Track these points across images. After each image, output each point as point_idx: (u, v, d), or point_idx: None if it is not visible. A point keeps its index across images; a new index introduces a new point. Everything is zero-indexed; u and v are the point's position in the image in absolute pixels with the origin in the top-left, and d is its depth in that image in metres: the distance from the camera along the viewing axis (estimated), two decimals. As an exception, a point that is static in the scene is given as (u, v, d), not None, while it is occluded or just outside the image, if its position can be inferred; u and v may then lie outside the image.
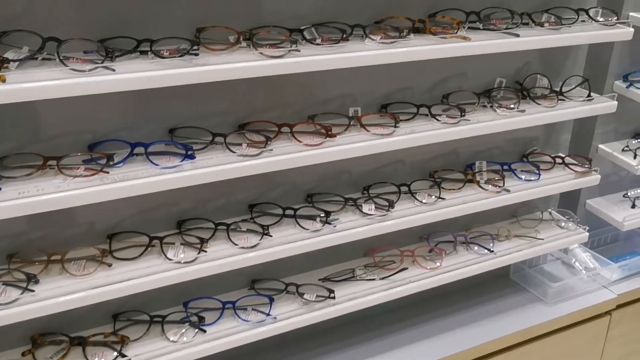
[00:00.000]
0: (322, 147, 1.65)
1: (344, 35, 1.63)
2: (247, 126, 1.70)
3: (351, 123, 1.77)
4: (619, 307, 2.41)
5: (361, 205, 1.86)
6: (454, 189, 2.02)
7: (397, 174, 2.07)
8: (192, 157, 1.53)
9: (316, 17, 1.68)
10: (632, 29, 1.99)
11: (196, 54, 1.42)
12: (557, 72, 2.21)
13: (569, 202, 2.51)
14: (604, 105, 2.09)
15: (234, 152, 1.58)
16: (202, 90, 1.47)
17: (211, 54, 1.47)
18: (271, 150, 1.60)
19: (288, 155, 1.59)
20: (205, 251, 1.62)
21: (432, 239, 2.16)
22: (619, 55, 2.30)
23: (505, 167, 2.15)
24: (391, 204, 1.87)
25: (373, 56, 1.58)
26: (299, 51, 1.52)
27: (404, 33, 1.70)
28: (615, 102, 2.11)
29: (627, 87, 2.29)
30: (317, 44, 1.59)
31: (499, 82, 2.09)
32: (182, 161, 1.51)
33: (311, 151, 1.63)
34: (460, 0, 1.87)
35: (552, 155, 2.25)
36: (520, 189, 2.08)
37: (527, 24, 1.92)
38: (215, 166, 1.51)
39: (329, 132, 1.69)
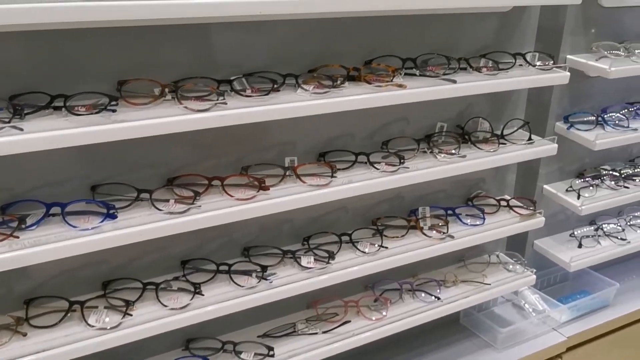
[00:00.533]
0: (254, 201, 1.58)
1: (275, 86, 1.58)
2: (176, 180, 1.63)
3: (287, 174, 1.71)
4: (569, 349, 2.38)
5: (300, 258, 1.79)
6: (397, 237, 1.98)
7: (340, 222, 2.01)
8: (113, 216, 1.45)
9: (249, 66, 1.63)
10: (568, 73, 2.00)
11: (113, 110, 1.35)
12: (499, 115, 2.21)
13: (517, 242, 2.49)
14: (544, 148, 2.09)
15: (160, 209, 1.50)
16: (127, 143, 1.39)
17: (132, 109, 1.40)
18: (199, 207, 1.53)
19: (217, 211, 1.52)
20: (131, 315, 1.53)
21: (377, 287, 2.10)
22: (559, 97, 2.31)
23: (450, 211, 2.12)
24: (331, 256, 1.81)
25: (303, 107, 1.53)
26: (226, 104, 1.46)
27: (338, 82, 1.66)
28: (556, 145, 2.10)
29: (567, 129, 2.30)
30: (246, 95, 1.53)
31: (439, 126, 2.06)
32: (102, 221, 1.43)
33: (242, 206, 1.56)
34: (398, 47, 1.85)
35: (497, 198, 2.23)
36: (465, 235, 2.04)
37: (465, 69, 1.91)
38: (138, 226, 1.43)
39: (262, 185, 1.62)
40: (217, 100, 1.47)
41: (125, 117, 1.34)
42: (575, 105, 2.39)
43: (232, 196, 1.58)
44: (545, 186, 2.45)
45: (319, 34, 1.73)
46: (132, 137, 1.32)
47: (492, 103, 2.17)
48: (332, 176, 1.72)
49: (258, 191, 1.61)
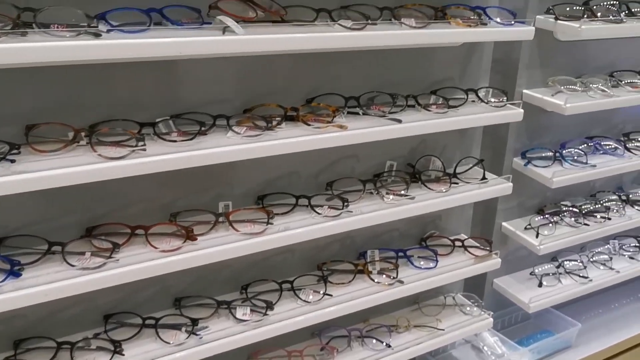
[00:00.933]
0: (179, 252, 1.46)
1: (202, 129, 1.48)
2: (96, 230, 1.50)
3: (219, 220, 1.60)
4: (529, 394, 2.28)
5: (235, 309, 1.68)
6: (343, 283, 1.87)
7: (285, 265, 1.90)
8: (17, 274, 1.32)
9: (179, 106, 1.53)
10: (522, 110, 1.92)
11: (12, 160, 1.23)
12: (454, 152, 2.12)
13: (475, 281, 2.39)
14: (499, 187, 2.00)
15: (72, 264, 1.37)
16: (37, 192, 1.27)
17: (38, 157, 1.28)
18: (117, 260, 1.40)
19: (136, 265, 1.41)
20: (40, 380, 1.40)
21: (324, 334, 1.99)
22: (516, 132, 2.23)
23: (401, 254, 2.02)
24: (269, 306, 1.70)
25: (231, 152, 1.42)
26: (145, 150, 1.35)
27: (274, 123, 1.56)
28: (510, 185, 2.02)
29: (525, 165, 2.22)
30: (170, 140, 1.42)
31: (389, 165, 1.97)
32: (3, 280, 1.30)
33: (165, 259, 1.44)
34: (342, 84, 1.76)
35: (452, 238, 2.13)
36: (416, 279, 1.94)
37: (413, 106, 1.82)
38: (44, 285, 1.30)
39: (190, 234, 1.51)
40: (136, 146, 1.35)
41: (25, 168, 1.22)
42: (535, 138, 2.31)
43: (155, 247, 1.47)
44: (504, 224, 2.36)
45: (256, 71, 1.63)
46: (30, 189, 1.20)
47: (446, 140, 2.09)
48: (268, 223, 1.61)
49: (184, 241, 1.49)
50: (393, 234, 2.14)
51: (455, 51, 1.96)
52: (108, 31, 1.26)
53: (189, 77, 1.53)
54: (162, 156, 1.34)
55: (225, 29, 1.36)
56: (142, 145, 1.36)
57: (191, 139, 1.43)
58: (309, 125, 1.59)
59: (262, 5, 1.48)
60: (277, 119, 1.59)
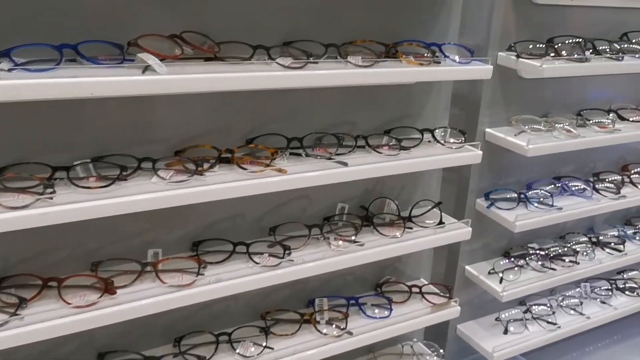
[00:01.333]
0: (95, 308, 1.34)
1: (124, 173, 1.36)
2: (4, 281, 1.38)
3: (145, 270, 1.48)
4: None
5: (163, 366, 1.55)
6: (287, 334, 1.75)
7: (228, 314, 1.79)
8: None
9: (103, 148, 1.42)
10: (480, 152, 1.83)
11: None
12: (412, 193, 2.02)
13: (438, 327, 2.27)
14: (456, 233, 1.89)
15: (-31, 322, 1.25)
16: None
17: None
18: (22, 318, 1.28)
19: (44, 323, 1.28)
20: None
21: (268, 388, 1.85)
22: (478, 172, 2.13)
23: (353, 301, 1.90)
24: (202, 362, 1.57)
25: (150, 200, 1.31)
26: (52, 199, 1.23)
27: (205, 167, 1.45)
28: (469, 230, 1.91)
29: (487, 207, 2.11)
30: (84, 187, 1.31)
31: (340, 207, 1.86)
32: None
33: (78, 315, 1.32)
34: (284, 124, 1.66)
35: (409, 284, 2.02)
36: (367, 329, 1.83)
37: (363, 147, 1.72)
38: None
39: (109, 287, 1.38)
40: (43, 193, 1.24)
41: None
42: (502, 177, 2.22)
43: (68, 303, 1.34)
44: (467, 267, 2.25)
45: (191, 109, 1.52)
46: None
47: (404, 180, 1.98)
48: (198, 273, 1.49)
49: (102, 295, 1.37)
50: (347, 279, 2.02)
51: (412, 89, 1.87)
52: (10, 70, 1.15)
53: (116, 115, 1.42)
54: (69, 205, 1.23)
55: (146, 68, 1.26)
56: (49, 193, 1.24)
57: (107, 186, 1.31)
58: (244, 169, 1.48)
59: (191, 42, 1.38)
60: (211, 161, 1.48)
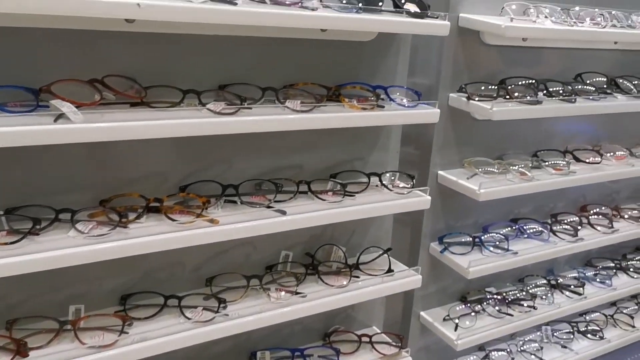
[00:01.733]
0: (0, 375, 1.23)
1: (38, 227, 1.27)
2: None
3: (64, 328, 1.38)
4: None
5: None
6: (225, 392, 1.65)
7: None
8: None
9: (18, 198, 1.33)
10: (429, 198, 1.77)
11: None
12: (361, 238, 1.95)
13: (393, 376, 2.19)
14: (406, 281, 1.82)
15: None
16: None
17: None
18: None
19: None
20: None
21: None
22: (432, 215, 2.06)
23: (298, 353, 1.81)
24: None
25: (60, 258, 1.22)
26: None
27: (130, 218, 1.36)
28: (419, 277, 1.84)
29: (441, 252, 2.05)
30: (-9, 242, 1.21)
31: (284, 255, 1.78)
32: None
33: (-19, 383, 1.21)
34: (220, 170, 1.58)
35: (359, 334, 1.93)
36: (312, 385, 1.73)
37: (305, 193, 1.65)
38: None
39: (21, 349, 1.28)
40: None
41: None
42: (458, 219, 2.16)
43: (-28, 368, 1.24)
44: (422, 313, 2.17)
45: (119, 155, 1.44)
46: None
47: (353, 225, 1.91)
48: (122, 332, 1.39)
49: (13, 358, 1.26)
50: (295, 328, 1.93)
51: (360, 130, 1.80)
52: None
53: (35, 162, 1.34)
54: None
55: (59, 116, 1.18)
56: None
57: (16, 242, 1.22)
58: (173, 220, 1.40)
59: (113, 87, 1.31)
60: (139, 210, 1.40)
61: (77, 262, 1.23)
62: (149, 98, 1.36)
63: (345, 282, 1.74)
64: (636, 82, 2.26)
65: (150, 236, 1.32)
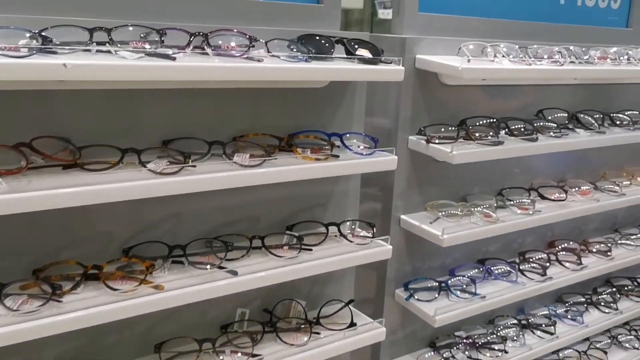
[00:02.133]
0: None
1: (-41, 306, 1.16)
2: None
3: (-5, 413, 1.26)
4: None
5: None
6: None
7: None
8: None
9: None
10: (390, 247, 1.70)
11: None
12: (322, 290, 1.86)
13: None
14: (370, 334, 1.74)
15: None
16: None
17: None
18: None
19: None
20: None
21: None
22: (397, 261, 1.99)
23: (257, 418, 1.70)
24: None
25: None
26: None
27: (64, 289, 1.26)
28: (384, 330, 1.76)
29: (406, 299, 1.97)
30: None
31: (240, 313, 1.69)
32: None
33: None
34: (168, 229, 1.49)
35: (323, 390, 1.84)
36: None
37: (259, 248, 1.56)
38: None
39: None
40: None
41: None
42: (425, 262, 2.09)
43: None
44: (389, 362, 2.09)
45: (53, 218, 1.34)
46: None
47: (312, 277, 1.81)
48: (58, 414, 1.28)
49: None
50: (256, 387, 1.82)
51: (318, 178, 1.73)
52: None
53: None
54: None
55: (-21, 186, 1.08)
56: None
57: None
58: (114, 289, 1.30)
59: (42, 150, 1.22)
60: (76, 278, 1.30)
61: (2, 344, 1.12)
62: (84, 159, 1.27)
63: (305, 339, 1.65)
64: (597, 115, 2.24)
65: (85, 310, 1.22)
